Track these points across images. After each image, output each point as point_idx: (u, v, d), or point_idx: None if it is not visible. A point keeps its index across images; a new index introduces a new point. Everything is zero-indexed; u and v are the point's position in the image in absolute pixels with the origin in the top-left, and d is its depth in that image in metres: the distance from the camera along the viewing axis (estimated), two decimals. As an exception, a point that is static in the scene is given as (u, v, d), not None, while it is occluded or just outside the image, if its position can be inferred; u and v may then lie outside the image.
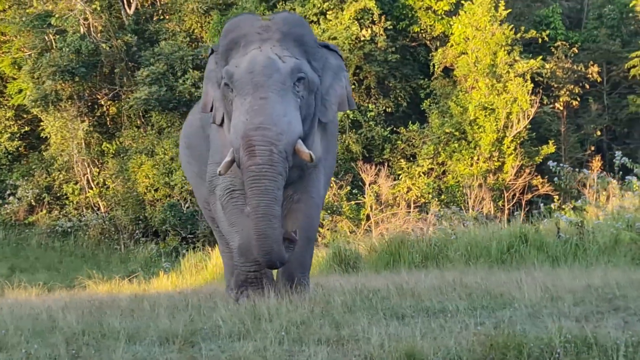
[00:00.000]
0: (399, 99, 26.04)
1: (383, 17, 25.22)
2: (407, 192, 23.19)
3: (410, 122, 25.71)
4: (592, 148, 27.64)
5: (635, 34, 29.91)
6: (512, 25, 25.10)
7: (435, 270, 10.64)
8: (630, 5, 28.92)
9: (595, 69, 27.08)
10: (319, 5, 25.11)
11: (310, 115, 7.71)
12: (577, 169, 16.31)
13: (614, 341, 5.27)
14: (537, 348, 5.27)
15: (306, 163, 7.65)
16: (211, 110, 8.13)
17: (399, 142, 25.27)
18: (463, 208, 21.66)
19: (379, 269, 12.25)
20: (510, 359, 5.18)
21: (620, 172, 16.17)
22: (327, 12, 25.10)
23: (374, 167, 22.05)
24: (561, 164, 13.91)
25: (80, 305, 8.30)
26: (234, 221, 7.86)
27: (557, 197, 22.30)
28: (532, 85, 24.26)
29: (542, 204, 18.85)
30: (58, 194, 27.30)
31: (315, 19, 25.21)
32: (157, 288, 16.03)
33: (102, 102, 27.76)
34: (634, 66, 27.77)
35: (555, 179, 15.57)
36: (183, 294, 9.11)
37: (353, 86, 24.49)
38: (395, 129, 25.56)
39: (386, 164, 24.21)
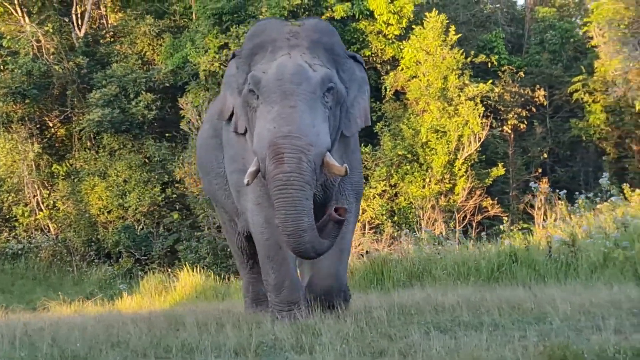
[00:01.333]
0: (351, 121, 26.27)
1: (335, 42, 25.47)
2: (362, 213, 23.47)
3: (362, 145, 26.02)
4: (539, 170, 28.24)
5: (576, 58, 30.66)
6: (463, 50, 25.62)
7: (426, 288, 10.84)
8: (583, 30, 29.66)
9: (542, 92, 27.81)
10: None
11: (336, 127, 7.42)
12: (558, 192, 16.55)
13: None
14: (593, 357, 5.56)
15: (332, 181, 7.46)
16: (230, 118, 7.78)
17: (352, 164, 25.50)
18: (416, 229, 22.01)
19: (364, 288, 12.45)
20: (568, 368, 5.46)
21: (565, 193, 16.56)
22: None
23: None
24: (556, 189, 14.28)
25: (107, 321, 8.37)
26: (271, 256, 7.58)
27: (506, 218, 22.81)
28: (483, 108, 24.77)
29: (501, 225, 19.24)
30: (7, 216, 27.03)
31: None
32: (125, 309, 16.04)
33: (53, 124, 27.61)
34: (576, 90, 28.50)
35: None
36: (207, 312, 9.15)
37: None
38: (348, 151, 25.79)
39: (341, 186, 24.43)
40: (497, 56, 28.05)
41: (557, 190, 15.72)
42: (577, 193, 17.78)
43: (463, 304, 7.67)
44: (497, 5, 33.89)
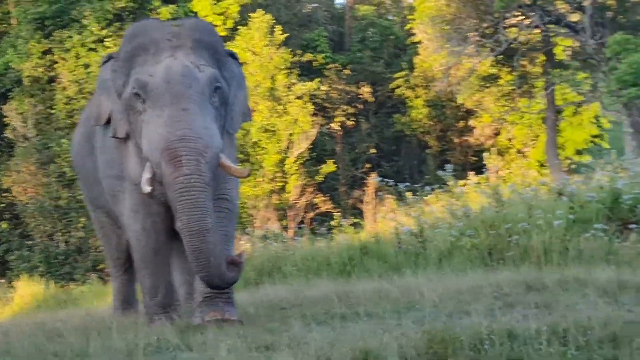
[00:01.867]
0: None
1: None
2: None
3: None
4: (369, 166, 28.85)
5: (396, 55, 31.46)
6: (290, 49, 25.91)
7: (276, 285, 10.88)
8: (407, 27, 30.40)
9: (368, 89, 28.42)
10: (96, 33, 24.86)
11: (222, 127, 7.25)
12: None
13: (535, 330, 5.86)
14: (468, 340, 5.79)
15: (220, 179, 7.22)
16: (107, 122, 7.49)
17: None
18: (250, 228, 22.13)
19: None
20: (449, 351, 5.66)
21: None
22: (105, 41, 24.92)
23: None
24: (385, 180, 14.54)
25: None
26: (148, 261, 7.50)
27: (337, 214, 23.18)
28: (312, 106, 25.13)
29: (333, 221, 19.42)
30: None
31: (93, 46, 24.98)
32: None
33: None
34: (398, 86, 29.28)
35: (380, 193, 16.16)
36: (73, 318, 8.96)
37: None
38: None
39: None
40: (323, 54, 28.48)
41: (387, 182, 15.94)
42: (403, 185, 18.10)
43: (333, 296, 7.81)
44: (317, 5, 34.40)
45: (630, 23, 20.46)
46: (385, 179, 15.76)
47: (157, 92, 6.91)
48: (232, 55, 7.77)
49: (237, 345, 5.96)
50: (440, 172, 14.51)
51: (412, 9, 31.15)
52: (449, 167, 14.25)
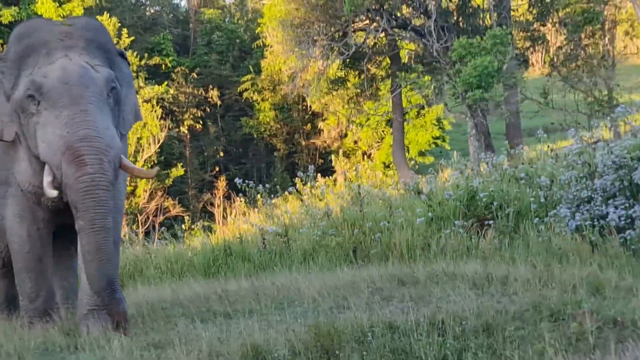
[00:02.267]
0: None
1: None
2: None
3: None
4: (218, 169, 28.90)
5: (242, 58, 31.62)
6: (136, 52, 25.75)
7: (141, 287, 10.82)
8: (258, 30, 30.55)
9: (216, 92, 28.48)
10: None
11: (115, 127, 7.10)
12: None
13: (414, 322, 6.13)
14: (352, 333, 6.02)
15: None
16: None
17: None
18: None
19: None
20: (335, 344, 5.85)
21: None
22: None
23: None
24: (247, 181, 14.54)
25: None
26: (30, 267, 7.41)
27: (187, 217, 23.18)
28: (160, 110, 25.05)
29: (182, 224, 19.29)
30: None
31: None
32: None
33: None
34: (245, 89, 29.44)
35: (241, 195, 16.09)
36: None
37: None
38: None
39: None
40: (170, 58, 28.40)
41: (241, 184, 15.94)
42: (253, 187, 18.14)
43: (212, 294, 7.88)
44: (161, 8, 34.24)
45: (471, 27, 21.18)
46: (239, 182, 15.82)
47: (54, 93, 6.79)
48: (122, 55, 7.70)
49: (125, 343, 6.00)
50: (300, 174, 14.75)
51: (256, 12, 31.42)
52: (310, 169, 14.50)
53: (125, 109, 7.46)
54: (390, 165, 26.76)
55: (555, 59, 23.12)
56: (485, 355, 5.75)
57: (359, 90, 23.66)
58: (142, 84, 25.59)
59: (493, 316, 6.40)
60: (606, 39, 24.03)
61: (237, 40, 31.70)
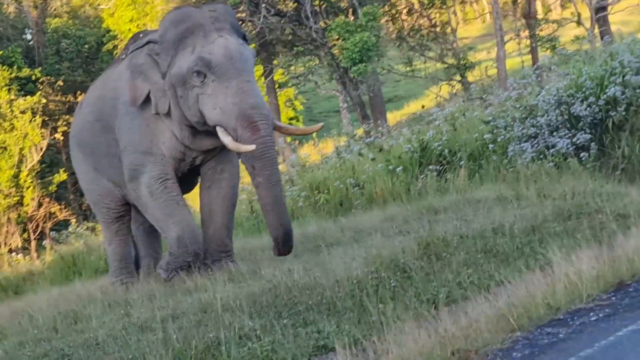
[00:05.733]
0: None
1: None
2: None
3: None
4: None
5: (92, 63, 32.17)
6: (6, 66, 26.23)
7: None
8: (104, 25, 31.19)
9: (83, 97, 29.13)
10: None
11: None
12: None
13: (490, 229, 7.86)
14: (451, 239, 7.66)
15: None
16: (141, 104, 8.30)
17: None
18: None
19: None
20: (440, 248, 7.50)
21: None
22: None
23: None
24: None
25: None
26: (171, 212, 8.31)
27: (74, 220, 23.99)
28: (40, 119, 25.69)
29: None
30: None
31: None
32: None
33: None
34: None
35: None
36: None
37: None
38: None
39: None
40: (39, 68, 28.86)
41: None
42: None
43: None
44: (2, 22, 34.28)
45: (338, 9, 23.02)
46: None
47: (221, 67, 7.99)
48: (244, 37, 8.73)
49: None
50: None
51: (98, 18, 32.12)
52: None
53: None
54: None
55: (402, 30, 25.04)
56: (550, 245, 7.32)
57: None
58: (13, 97, 26.07)
59: (535, 219, 8.18)
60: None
61: (86, 46, 32.10)
